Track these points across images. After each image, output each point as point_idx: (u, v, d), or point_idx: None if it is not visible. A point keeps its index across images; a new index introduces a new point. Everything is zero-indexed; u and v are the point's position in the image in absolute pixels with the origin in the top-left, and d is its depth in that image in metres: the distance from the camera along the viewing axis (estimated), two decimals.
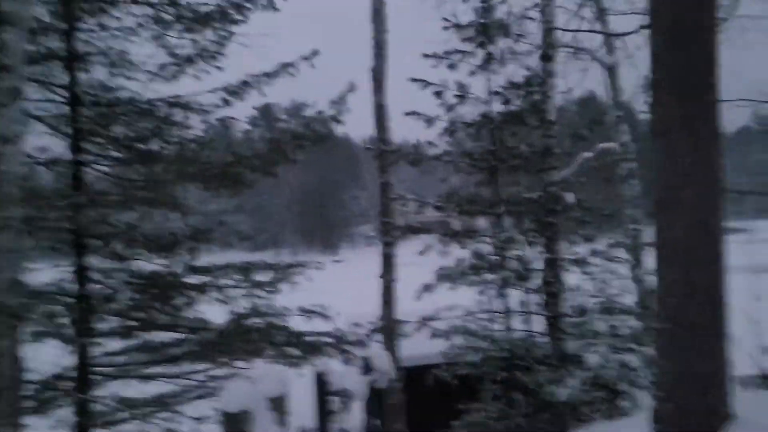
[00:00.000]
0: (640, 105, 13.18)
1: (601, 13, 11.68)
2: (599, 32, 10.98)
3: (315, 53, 8.96)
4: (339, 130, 9.25)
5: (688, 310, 4.07)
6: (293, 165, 8.70)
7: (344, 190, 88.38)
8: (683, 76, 4.09)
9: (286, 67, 9.17)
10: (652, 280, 11.83)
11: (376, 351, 8.13)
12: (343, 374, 9.23)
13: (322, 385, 8.73)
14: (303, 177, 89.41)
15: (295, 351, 9.52)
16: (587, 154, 11.05)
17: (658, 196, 4.21)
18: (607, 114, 11.28)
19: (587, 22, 11.48)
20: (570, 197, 8.05)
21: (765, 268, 9.86)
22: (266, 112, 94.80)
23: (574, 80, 13.12)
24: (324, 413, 7.70)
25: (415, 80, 8.90)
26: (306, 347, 9.42)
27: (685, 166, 4.04)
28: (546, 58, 8.91)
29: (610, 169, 11.16)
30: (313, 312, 9.04)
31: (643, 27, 9.39)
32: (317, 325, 9.45)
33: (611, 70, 12.98)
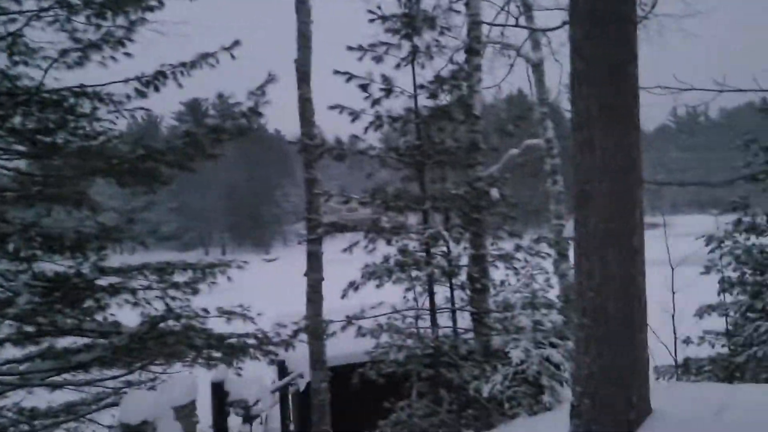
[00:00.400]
0: (565, 102, 13.46)
1: (527, 9, 11.78)
2: (524, 27, 11.05)
3: (236, 44, 8.61)
4: (271, 126, 9.05)
5: (605, 303, 4.02)
6: (213, 160, 8.31)
7: (277, 187, 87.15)
8: (602, 66, 4.03)
9: (205, 57, 8.78)
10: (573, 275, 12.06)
11: (291, 353, 7.88)
12: (243, 383, 8.90)
13: (219, 397, 8.33)
14: (234, 174, 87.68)
15: (215, 354, 9.16)
16: (513, 151, 11.10)
17: (577, 189, 4.15)
18: (532, 110, 11.38)
19: (513, 18, 11.53)
20: (495, 193, 8.03)
21: (681, 261, 10.14)
22: (194, 107, 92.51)
23: (501, 76, 13.20)
24: (221, 427, 7.35)
25: (338, 72, 8.67)
26: (227, 349, 9.06)
27: (604, 157, 3.99)
28: (472, 52, 8.86)
29: (536, 165, 11.28)
30: (233, 313, 8.69)
31: (566, 23, 9.47)
32: (239, 326, 9.11)
33: (536, 67, 13.15)
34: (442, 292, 9.29)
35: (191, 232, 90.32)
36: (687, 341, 12.78)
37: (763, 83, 6.00)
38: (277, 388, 8.79)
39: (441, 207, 8.77)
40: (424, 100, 8.98)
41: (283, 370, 9.76)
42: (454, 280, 9.03)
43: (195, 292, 9.10)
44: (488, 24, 10.42)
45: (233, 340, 9.01)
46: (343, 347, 10.71)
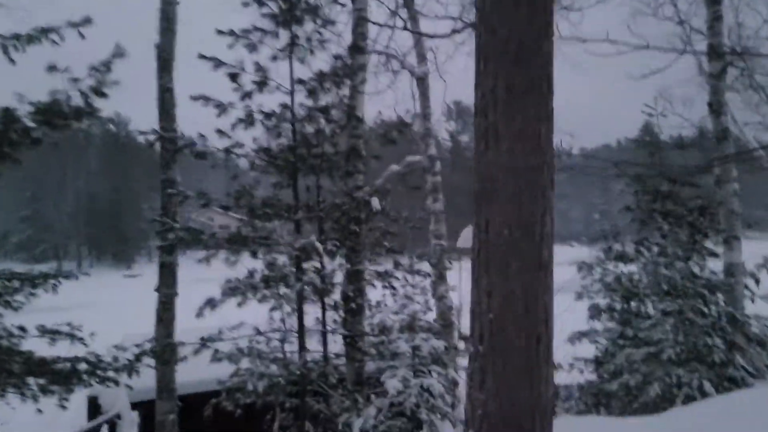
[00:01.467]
0: (447, 122, 13.02)
1: (413, 18, 11.25)
2: (413, 32, 10.48)
3: (87, 21, 7.30)
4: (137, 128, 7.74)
5: (506, 327, 3.28)
6: (38, 145, 6.87)
7: (144, 200, 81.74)
8: (511, 39, 3.33)
9: (46, 32, 7.40)
10: (454, 297, 11.46)
11: (108, 389, 6.60)
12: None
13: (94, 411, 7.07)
14: (96, 183, 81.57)
15: (38, 381, 7.63)
16: (394, 167, 10.42)
17: (478, 187, 3.40)
18: (413, 123, 10.78)
19: (399, 25, 10.96)
20: (376, 204, 7.24)
21: (558, 288, 9.84)
22: None
23: (385, 82, 12.60)
24: None
25: (203, 57, 7.56)
26: (53, 376, 7.57)
27: (510, 150, 3.28)
28: (356, 49, 8.10)
29: (419, 178, 10.68)
30: (57, 332, 7.24)
31: (455, 31, 8.98)
32: (68, 348, 7.65)
33: (421, 81, 12.68)
34: (312, 312, 8.34)
35: (44, 243, 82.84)
36: (557, 367, 12.70)
37: None
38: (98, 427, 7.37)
39: (315, 217, 7.86)
40: (301, 98, 8.08)
41: (95, 408, 8.17)
42: (326, 299, 8.12)
43: (12, 306, 7.55)
44: (375, 23, 9.75)
45: (60, 366, 7.54)
46: (196, 373, 9.42)
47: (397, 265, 8.10)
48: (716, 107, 10.64)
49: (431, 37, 10.49)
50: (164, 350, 8.23)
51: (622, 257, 12.57)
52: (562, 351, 12.25)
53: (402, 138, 8.35)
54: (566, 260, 13.71)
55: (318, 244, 6.84)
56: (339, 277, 8.19)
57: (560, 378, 12.66)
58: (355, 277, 8.06)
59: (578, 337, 12.85)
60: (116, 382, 8.25)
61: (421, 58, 12.90)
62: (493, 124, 3.31)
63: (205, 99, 7.74)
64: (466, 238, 4.73)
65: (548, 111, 3.37)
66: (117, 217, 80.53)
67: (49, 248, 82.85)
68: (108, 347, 7.86)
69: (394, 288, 8.16)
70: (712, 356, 8.56)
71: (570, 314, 11.15)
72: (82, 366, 7.57)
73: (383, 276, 8.12)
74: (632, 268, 12.61)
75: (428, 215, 12.11)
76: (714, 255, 11.62)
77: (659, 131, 12.79)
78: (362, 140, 8.15)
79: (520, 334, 3.25)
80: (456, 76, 13.74)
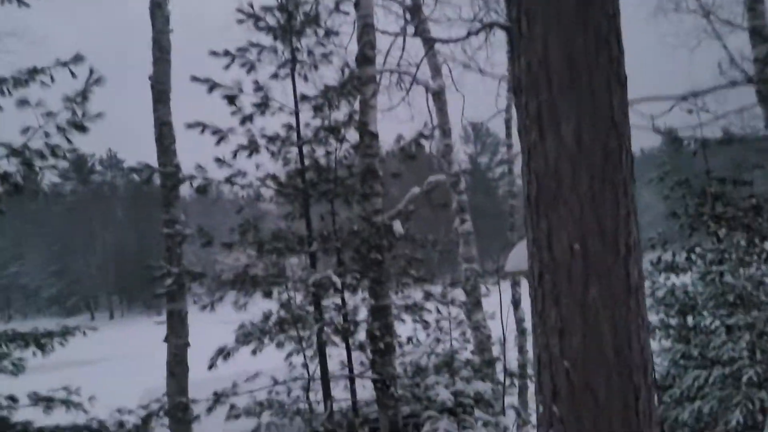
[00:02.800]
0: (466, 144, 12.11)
1: (423, 27, 10.46)
2: (424, 37, 9.68)
3: (78, 59, 6.67)
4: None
5: (591, 380, 2.34)
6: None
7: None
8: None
9: (35, 73, 6.81)
10: (494, 325, 10.43)
11: None
12: None
13: None
14: (122, 233, 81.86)
15: None
16: (415, 190, 9.52)
17: (529, 192, 2.51)
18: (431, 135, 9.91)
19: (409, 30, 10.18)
20: (399, 228, 6.36)
21: None
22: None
23: (398, 98, 11.83)
24: None
25: (197, 80, 6.82)
26: None
27: (575, 133, 2.38)
28: (364, 59, 7.31)
29: (444, 196, 9.78)
30: (51, 399, 6.43)
31: (470, 33, 8.14)
32: (65, 416, 6.84)
33: (437, 96, 11.87)
34: (336, 355, 7.42)
35: (75, 296, 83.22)
36: None
37: None
38: None
39: (332, 248, 6.99)
40: (307, 118, 7.28)
41: None
42: (350, 340, 7.20)
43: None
44: (383, 32, 9.00)
45: None
46: (216, 431, 8.53)
47: (427, 295, 7.17)
48: (766, 93, 9.66)
49: (445, 42, 9.68)
50: (176, 409, 7.36)
51: (672, 268, 11.49)
52: None
53: (421, 153, 7.49)
54: None
55: (336, 278, 5.96)
56: (363, 314, 7.29)
57: None
58: (381, 313, 7.14)
59: None
60: None
61: (436, 71, 12.12)
62: (548, 103, 2.42)
63: (202, 126, 6.98)
64: (517, 258, 3.85)
65: (621, 77, 2.48)
66: (145, 264, 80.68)
67: (80, 300, 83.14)
68: (112, 411, 7.03)
69: (426, 322, 7.22)
70: None
71: None
72: None
73: (412, 309, 7.20)
74: (685, 279, 11.54)
75: (456, 237, 11.18)
76: None
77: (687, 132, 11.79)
78: (378, 159, 7.30)
79: (610, 388, 2.32)
80: (473, 90, 12.94)
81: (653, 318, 11.67)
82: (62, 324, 8.30)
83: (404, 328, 7.69)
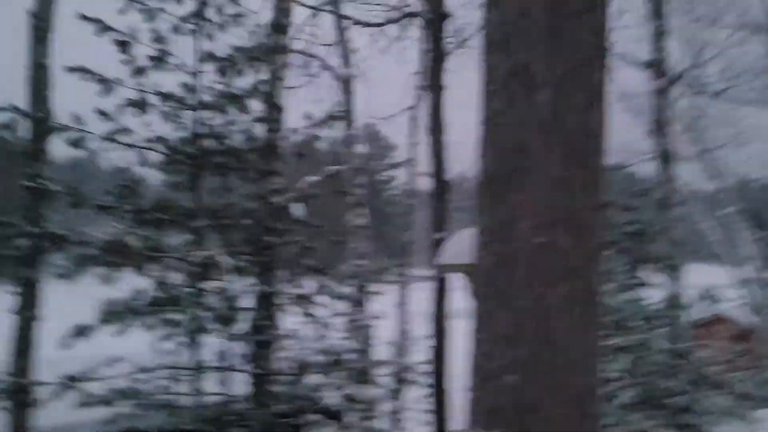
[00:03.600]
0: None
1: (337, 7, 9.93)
2: (341, 16, 9.19)
3: None
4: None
5: (543, 400, 1.98)
6: None
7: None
8: None
9: None
10: (375, 328, 10.12)
11: None
12: None
13: None
14: None
15: None
16: (311, 178, 9.00)
17: (487, 171, 2.10)
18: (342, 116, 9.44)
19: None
20: (298, 210, 5.83)
21: None
22: None
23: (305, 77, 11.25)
24: None
25: (86, 18, 5.93)
26: None
27: (551, 102, 2.01)
28: (277, 27, 6.73)
29: (342, 191, 9.36)
30: None
31: (391, 21, 7.77)
32: None
33: (345, 83, 11.43)
34: (212, 344, 6.76)
35: None
36: None
37: None
38: None
39: (220, 226, 6.34)
40: (209, 81, 6.58)
41: None
42: (230, 328, 6.57)
43: None
44: (299, 2, 8.41)
45: None
46: (62, 417, 7.56)
47: (320, 288, 6.69)
48: None
49: (364, 25, 9.24)
50: (22, 390, 6.40)
51: None
52: None
53: (326, 138, 7.03)
54: None
55: (222, 258, 5.34)
56: (244, 302, 6.68)
57: None
58: (266, 302, 6.57)
59: None
60: None
61: (346, 58, 11.67)
62: (522, 65, 2.05)
63: (85, 72, 6.09)
64: (455, 250, 3.41)
65: (604, 38, 2.15)
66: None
67: None
68: None
69: (313, 316, 6.73)
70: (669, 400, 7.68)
71: None
72: None
73: (302, 300, 6.68)
74: None
75: (350, 232, 10.79)
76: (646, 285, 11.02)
77: None
78: (281, 135, 6.74)
79: (562, 410, 1.97)
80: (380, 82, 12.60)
81: None
82: None
83: (285, 321, 7.17)
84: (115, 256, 5.85)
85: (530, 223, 1.99)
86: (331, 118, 6.62)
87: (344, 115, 9.18)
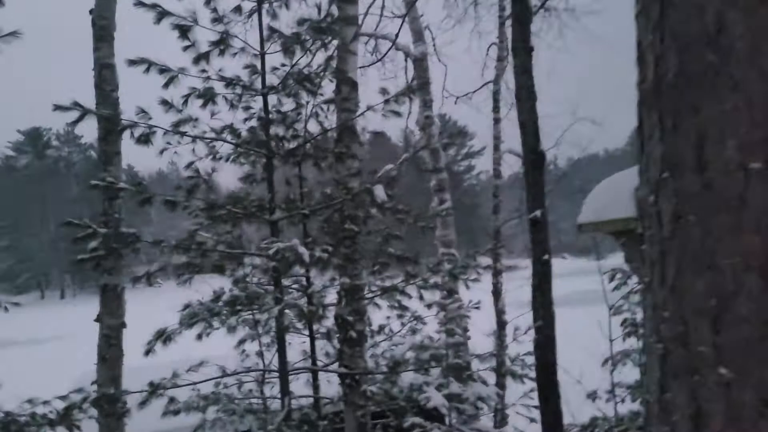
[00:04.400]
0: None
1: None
2: None
3: None
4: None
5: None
6: None
7: (129, 225, 78.70)
8: None
9: None
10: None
11: None
12: None
13: None
14: (77, 212, 78.78)
15: None
16: (389, 167, 8.42)
17: (671, 68, 1.43)
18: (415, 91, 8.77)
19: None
20: (382, 193, 5.26)
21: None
22: (34, 137, 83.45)
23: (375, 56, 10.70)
24: None
25: (142, 4, 5.59)
26: None
27: None
28: None
29: (430, 169, 8.72)
30: None
31: None
32: None
33: (419, 62, 10.79)
34: (297, 344, 6.32)
35: (26, 273, 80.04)
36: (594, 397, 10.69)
37: None
38: None
39: (298, 216, 5.86)
40: (275, 62, 6.13)
41: None
42: (316, 326, 6.11)
43: None
44: None
45: None
46: (152, 425, 7.35)
47: (408, 278, 6.10)
48: None
49: None
50: (103, 401, 6.17)
51: None
52: (597, 376, 10.28)
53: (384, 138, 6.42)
54: (564, 272, 11.77)
55: (303, 250, 4.85)
56: (331, 297, 6.20)
57: (599, 409, 10.67)
58: (352, 296, 6.04)
59: (620, 359, 10.83)
60: None
61: (417, 36, 11.03)
62: None
63: (148, 64, 5.76)
64: (602, 203, 2.63)
65: None
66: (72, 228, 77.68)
67: (32, 278, 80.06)
68: (21, 402, 5.81)
69: (405, 308, 6.16)
70: None
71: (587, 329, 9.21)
72: None
73: (391, 292, 6.12)
74: None
75: (433, 219, 10.14)
76: None
77: None
78: (356, 114, 6.19)
79: None
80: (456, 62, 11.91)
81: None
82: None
83: (374, 316, 6.65)
84: (190, 254, 5.48)
85: (735, 144, 1.30)
86: (409, 91, 6.00)
87: (420, 92, 8.53)
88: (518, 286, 9.50)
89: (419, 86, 10.14)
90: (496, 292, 9.82)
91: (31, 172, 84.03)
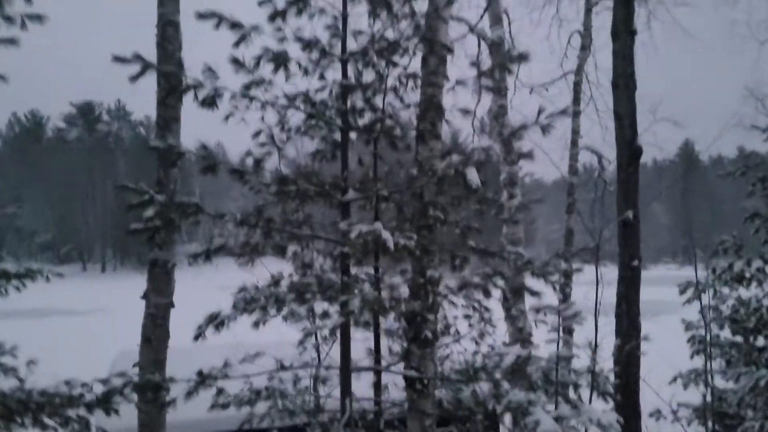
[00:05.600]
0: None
1: None
2: None
3: None
4: None
5: None
6: None
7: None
8: None
9: None
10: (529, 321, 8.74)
11: None
12: None
13: None
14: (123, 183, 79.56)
15: None
16: (455, 157, 7.76)
17: None
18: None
19: None
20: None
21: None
22: (86, 110, 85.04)
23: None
24: None
25: None
26: None
27: None
28: None
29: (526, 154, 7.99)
30: None
31: None
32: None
33: (496, 47, 10.06)
34: (362, 339, 5.72)
35: (69, 244, 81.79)
36: (658, 416, 9.88)
37: None
38: None
39: (372, 198, 5.23)
40: (357, 23, 5.50)
41: None
42: (383, 322, 5.49)
43: None
44: None
45: None
46: (195, 411, 6.84)
47: (490, 275, 5.42)
48: None
49: None
50: (147, 388, 5.67)
51: (741, 278, 9.80)
52: (664, 395, 9.47)
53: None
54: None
55: (387, 234, 4.21)
56: (404, 289, 5.55)
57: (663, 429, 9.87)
58: (425, 291, 5.39)
59: (692, 378, 9.98)
60: (87, 424, 5.78)
61: (496, 19, 10.30)
62: None
63: (218, 19, 5.19)
64: None
65: None
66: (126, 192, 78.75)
67: (74, 249, 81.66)
68: (59, 382, 5.34)
69: (485, 308, 5.50)
70: None
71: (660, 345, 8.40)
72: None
73: (471, 289, 5.46)
74: (756, 292, 9.88)
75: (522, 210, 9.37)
76: None
77: None
78: (442, 89, 5.54)
79: None
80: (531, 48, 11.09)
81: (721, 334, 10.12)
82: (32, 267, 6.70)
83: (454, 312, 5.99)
84: (255, 229, 4.88)
85: None
86: (506, 63, 5.30)
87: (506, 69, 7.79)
88: (584, 292, 8.73)
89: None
90: (564, 297, 9.05)
91: (80, 145, 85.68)
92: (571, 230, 9.79)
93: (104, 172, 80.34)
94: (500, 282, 5.62)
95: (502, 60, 5.45)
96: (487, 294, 5.36)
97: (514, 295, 9.06)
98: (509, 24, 10.94)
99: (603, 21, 10.90)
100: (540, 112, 4.97)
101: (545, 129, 5.02)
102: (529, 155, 5.31)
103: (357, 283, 4.91)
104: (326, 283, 4.78)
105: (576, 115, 9.03)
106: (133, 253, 78.97)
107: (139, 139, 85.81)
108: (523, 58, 4.96)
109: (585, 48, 10.33)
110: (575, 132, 10.07)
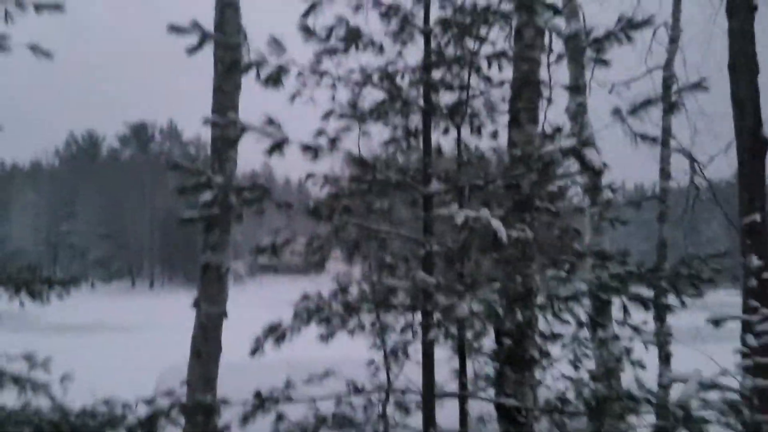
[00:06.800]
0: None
1: None
2: None
3: None
4: None
5: None
6: None
7: None
8: None
9: None
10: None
11: None
12: None
13: None
14: (171, 205, 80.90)
15: None
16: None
17: None
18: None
19: None
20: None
21: None
22: (139, 131, 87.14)
23: None
24: None
25: None
26: None
27: None
28: None
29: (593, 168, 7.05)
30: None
31: None
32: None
33: (571, 41, 9.15)
34: (445, 359, 4.86)
35: (119, 260, 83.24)
36: None
37: None
38: None
39: (466, 189, 4.41)
40: None
41: None
42: (472, 342, 4.62)
43: None
44: None
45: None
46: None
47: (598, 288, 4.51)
48: None
49: None
50: (197, 410, 4.92)
51: None
52: None
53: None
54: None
55: (497, 223, 3.37)
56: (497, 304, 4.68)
57: None
58: (522, 303, 4.52)
59: None
60: None
61: (572, 13, 9.41)
62: None
63: None
64: None
65: None
66: (191, 236, 79.75)
67: (124, 266, 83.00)
68: (96, 401, 4.64)
69: (601, 325, 4.59)
70: None
71: None
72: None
73: (572, 302, 4.56)
74: None
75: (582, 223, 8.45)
76: None
77: None
78: (540, 64, 4.71)
79: None
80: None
81: None
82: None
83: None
84: (332, 216, 4.10)
85: None
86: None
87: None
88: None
89: (572, 73, 8.54)
90: (660, 317, 7.98)
91: (133, 164, 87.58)
92: (664, 242, 8.72)
93: (155, 191, 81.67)
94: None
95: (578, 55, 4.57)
96: (606, 305, 4.46)
97: (599, 310, 8.06)
98: (583, 19, 10.02)
99: (690, 13, 9.92)
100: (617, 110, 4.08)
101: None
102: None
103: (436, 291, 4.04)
104: (397, 291, 3.95)
105: (669, 109, 8.06)
106: (180, 270, 79.79)
107: (189, 159, 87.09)
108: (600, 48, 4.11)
109: (674, 41, 9.38)
110: (666, 131, 9.06)
